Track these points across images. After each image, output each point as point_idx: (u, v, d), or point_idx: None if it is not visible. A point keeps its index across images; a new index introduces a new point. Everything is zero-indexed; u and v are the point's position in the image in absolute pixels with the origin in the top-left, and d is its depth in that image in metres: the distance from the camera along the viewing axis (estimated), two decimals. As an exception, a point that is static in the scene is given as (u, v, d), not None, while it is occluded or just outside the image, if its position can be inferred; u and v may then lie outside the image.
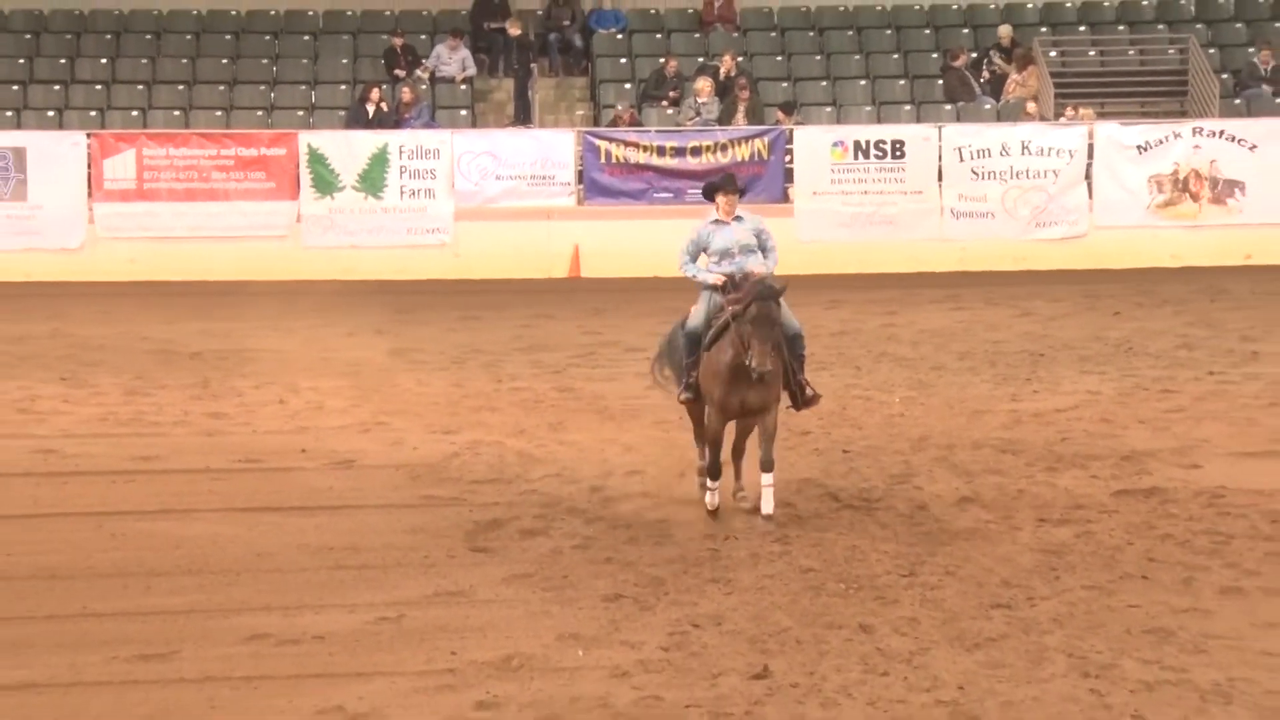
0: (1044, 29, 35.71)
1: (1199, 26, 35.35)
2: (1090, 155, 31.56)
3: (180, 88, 34.98)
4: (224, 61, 35.77)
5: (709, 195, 15.59)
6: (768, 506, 15.15)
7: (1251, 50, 33.91)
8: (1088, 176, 31.57)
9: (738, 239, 15.34)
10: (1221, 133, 31.53)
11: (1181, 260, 30.90)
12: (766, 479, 15.11)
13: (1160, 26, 35.71)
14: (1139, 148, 31.55)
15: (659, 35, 36.55)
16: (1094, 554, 14.49)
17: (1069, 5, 36.54)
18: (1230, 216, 31.28)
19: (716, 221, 15.45)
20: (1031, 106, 33.23)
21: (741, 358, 14.62)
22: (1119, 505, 15.93)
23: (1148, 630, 12.59)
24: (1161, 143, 31.50)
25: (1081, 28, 36.06)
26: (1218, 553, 14.46)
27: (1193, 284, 29.13)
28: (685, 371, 15.39)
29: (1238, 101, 33.11)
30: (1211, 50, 34.47)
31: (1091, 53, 35.22)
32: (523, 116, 34.37)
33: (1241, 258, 30.59)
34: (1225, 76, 33.73)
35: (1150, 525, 15.26)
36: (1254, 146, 31.22)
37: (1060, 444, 18.34)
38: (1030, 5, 36.36)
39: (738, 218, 15.45)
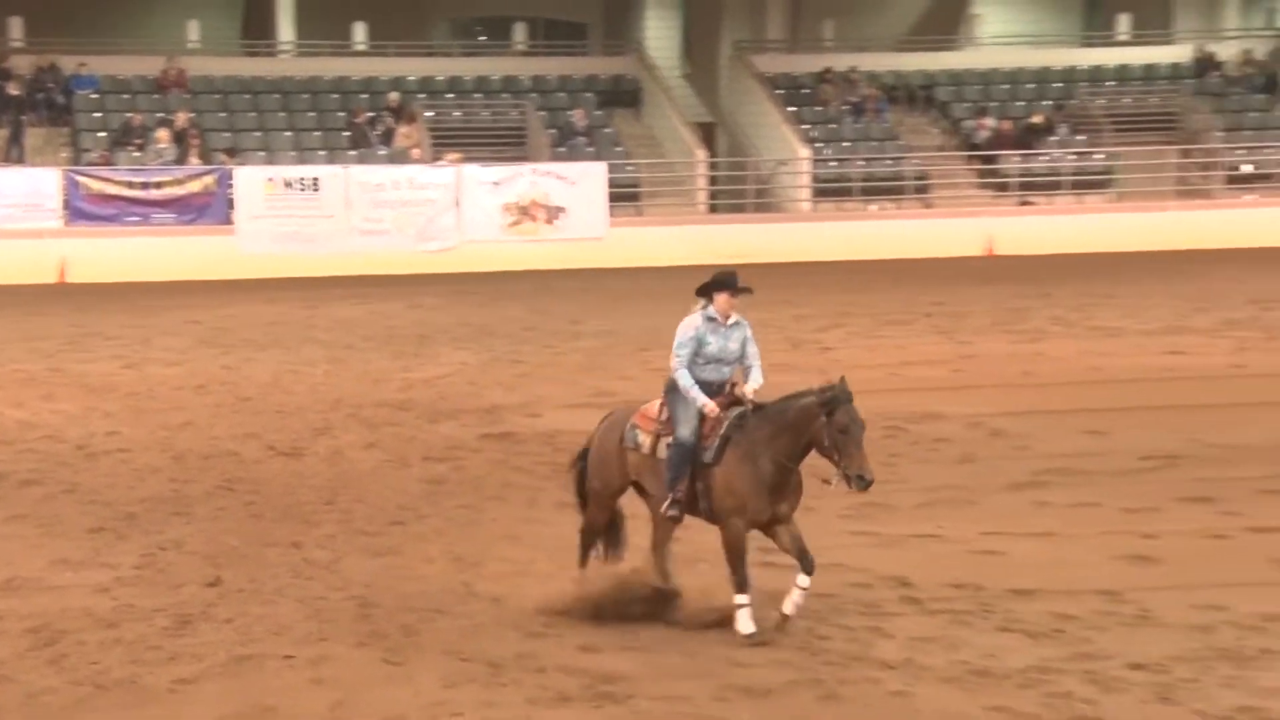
0: (422, 95, 35.84)
1: (533, 95, 36.02)
2: (458, 188, 31.83)
3: None
4: None
5: (709, 291, 10.53)
6: (790, 608, 10.20)
7: (569, 112, 34.74)
8: (457, 204, 31.83)
9: (730, 348, 10.43)
10: (550, 173, 32.26)
11: (527, 265, 31.42)
12: (805, 580, 10.14)
13: (505, 95, 36.25)
14: (494, 183, 32.02)
15: (126, 95, 35.41)
16: (465, 482, 14.60)
17: (440, 77, 36.74)
18: (558, 233, 32.03)
19: (711, 321, 10.44)
20: (415, 152, 33.32)
21: (785, 469, 10.09)
22: (483, 446, 16.08)
23: (505, 536, 12.74)
24: (510, 180, 32.04)
25: (449, 94, 36.33)
26: (553, 478, 14.74)
27: (533, 283, 29.66)
28: (672, 486, 10.31)
29: (561, 149, 33.86)
30: (541, 112, 35.17)
31: (457, 113, 35.50)
32: (16, 157, 33.07)
33: (566, 263, 31.26)
34: (552, 131, 34.44)
35: (505, 460, 15.45)
36: (573, 182, 32.05)
37: (440, 402, 18.43)
38: (411, 76, 36.40)
39: (735, 322, 10.51)
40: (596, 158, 33.05)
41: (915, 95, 36.19)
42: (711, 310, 10.49)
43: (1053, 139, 33.97)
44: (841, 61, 36.20)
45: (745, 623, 10.08)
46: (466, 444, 16.16)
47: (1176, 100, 35.21)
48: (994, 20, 39.91)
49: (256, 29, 38.05)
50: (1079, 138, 34.12)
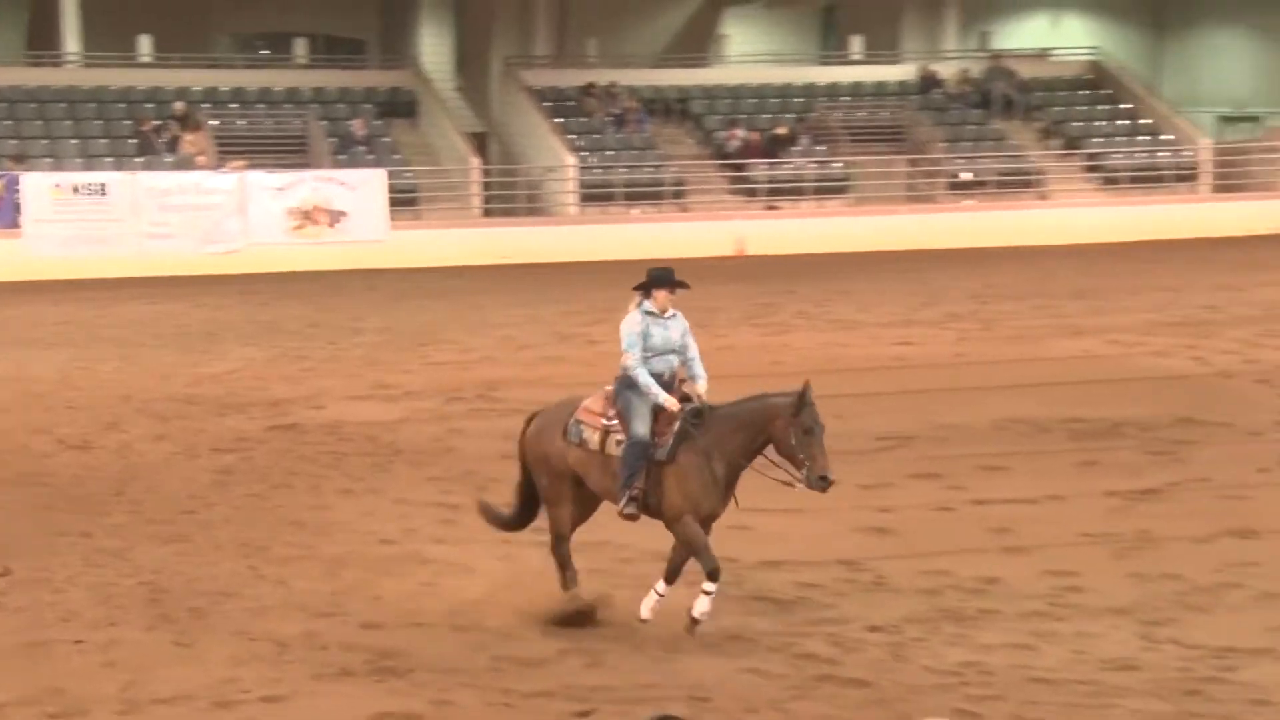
0: (206, 104, 34.97)
1: (314, 105, 35.43)
2: (243, 194, 31.14)
3: None
4: None
5: (647, 287, 10.22)
6: (646, 613, 9.84)
7: (349, 122, 34.24)
8: (242, 209, 31.14)
9: (671, 338, 10.08)
10: (332, 179, 31.76)
11: (310, 266, 30.84)
12: (664, 587, 9.86)
13: (287, 105, 35.58)
14: (278, 189, 31.37)
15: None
16: (252, 472, 14.31)
17: (224, 88, 35.89)
18: (340, 236, 31.53)
19: (651, 314, 10.09)
20: (201, 160, 32.49)
21: (738, 467, 9.72)
22: (269, 437, 15.78)
23: (290, 522, 12.53)
24: (293, 185, 31.44)
25: (233, 104, 35.52)
26: (336, 466, 14.53)
27: (317, 283, 29.13)
28: (628, 484, 9.70)
29: (342, 157, 33.37)
30: (322, 121, 34.61)
31: (241, 122, 34.72)
32: None
33: (348, 264, 30.79)
34: (333, 140, 33.92)
35: (291, 450, 15.18)
36: (354, 188, 31.62)
37: (228, 396, 18.02)
38: (196, 87, 35.49)
39: (672, 315, 10.21)
40: (376, 165, 32.65)
41: (672, 108, 36.50)
42: (649, 305, 10.11)
43: (796, 149, 34.56)
44: (604, 76, 36.35)
45: (703, 605, 9.55)
46: (253, 436, 15.84)
47: (904, 114, 36.09)
48: (741, 40, 40.52)
49: (41, 40, 36.73)
50: (819, 147, 34.77)
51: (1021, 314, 23.08)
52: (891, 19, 39.87)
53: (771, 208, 33.76)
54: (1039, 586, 10.67)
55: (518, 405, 17.01)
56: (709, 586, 9.57)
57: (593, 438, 9.92)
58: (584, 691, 8.81)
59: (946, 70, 37.83)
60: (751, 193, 33.99)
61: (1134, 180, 34.32)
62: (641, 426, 9.71)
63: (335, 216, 31.52)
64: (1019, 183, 34.31)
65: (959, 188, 34.18)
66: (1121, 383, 17.50)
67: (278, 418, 16.69)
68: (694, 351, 10.12)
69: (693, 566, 9.77)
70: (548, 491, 10.15)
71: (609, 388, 10.00)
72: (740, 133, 34.72)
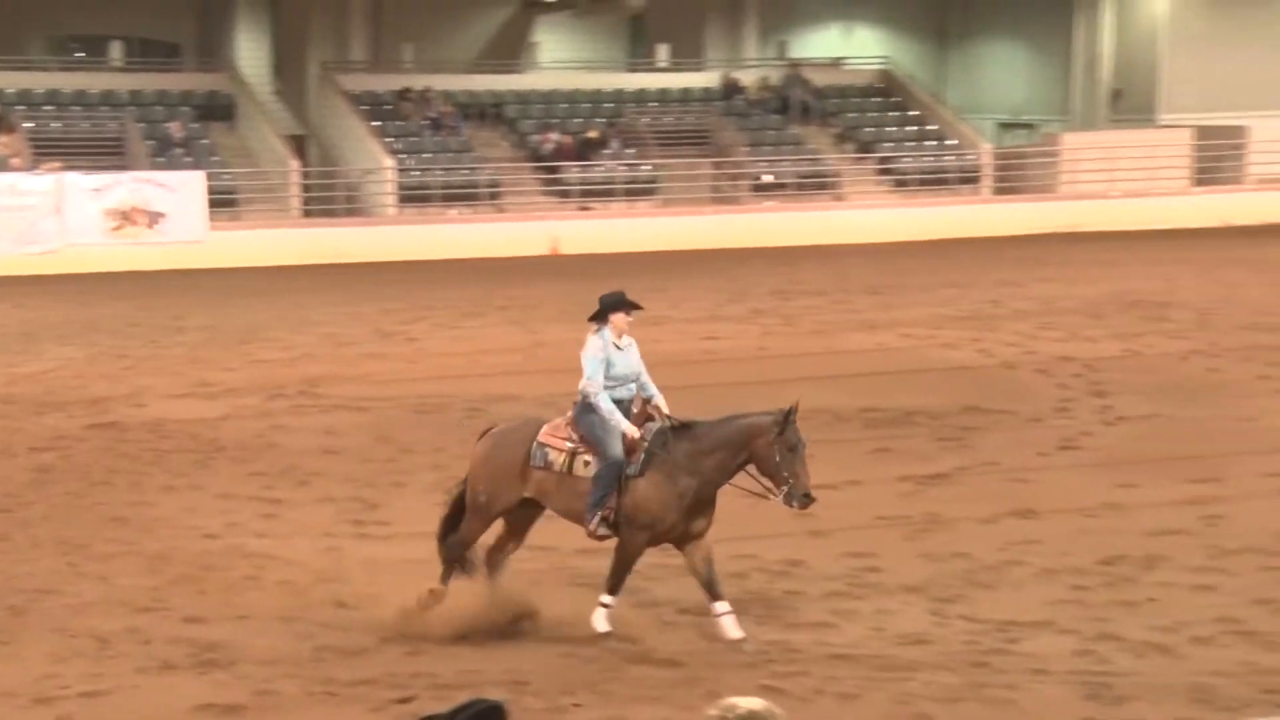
0: (21, 106, 33.80)
1: (131, 108, 34.47)
2: (60, 195, 30.15)
3: None
4: None
5: (604, 314, 9.83)
6: (736, 633, 9.39)
7: (167, 124, 33.37)
8: (59, 210, 30.15)
9: (632, 365, 9.74)
10: (150, 180, 30.93)
11: (130, 266, 29.96)
12: (724, 606, 9.43)
13: (104, 107, 34.57)
14: (95, 190, 30.42)
15: None
16: (72, 470, 13.88)
17: (38, 90, 34.72)
18: (160, 237, 30.69)
19: (612, 343, 9.74)
20: (15, 161, 31.38)
21: (712, 485, 9.44)
22: (90, 435, 15.32)
23: (111, 519, 12.18)
24: (111, 187, 30.52)
25: (48, 106, 34.39)
26: (158, 463, 14.17)
27: (137, 283, 28.33)
28: (601, 504, 9.40)
29: (160, 159, 32.51)
30: (140, 124, 33.67)
31: (56, 124, 33.60)
32: None
33: (168, 264, 29.99)
34: (151, 142, 33.02)
35: (111, 448, 14.76)
36: (173, 190, 30.82)
37: (46, 395, 17.44)
38: (10, 89, 34.24)
39: (627, 341, 9.85)
40: (195, 167, 31.87)
41: (486, 112, 36.31)
42: (608, 333, 9.72)
43: (607, 152, 34.62)
44: (419, 81, 35.98)
45: (601, 621, 9.43)
46: (73, 434, 15.36)
47: (708, 119, 36.39)
48: (552, 47, 40.46)
49: None
50: (629, 151, 34.88)
51: (821, 309, 23.43)
52: (695, 28, 40.21)
53: (584, 208, 33.79)
54: (839, 568, 10.85)
55: (339, 401, 16.80)
56: (606, 600, 9.46)
57: (559, 460, 9.62)
58: (405, 679, 8.72)
59: (748, 78, 38.26)
60: (565, 194, 33.96)
61: (922, 183, 35.08)
62: (617, 447, 9.44)
63: (154, 218, 30.70)
64: (816, 185, 34.83)
65: (761, 189, 34.58)
66: (913, 374, 17.85)
67: (98, 416, 16.21)
68: (646, 374, 9.83)
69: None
70: (482, 507, 9.74)
71: (570, 414, 9.71)
72: (553, 136, 34.69)
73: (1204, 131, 35.02)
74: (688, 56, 39.42)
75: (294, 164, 33.30)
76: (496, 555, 9.92)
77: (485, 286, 26.36)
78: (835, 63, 40.19)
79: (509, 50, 39.82)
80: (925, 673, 8.86)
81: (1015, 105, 41.53)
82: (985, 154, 35.69)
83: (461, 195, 33.31)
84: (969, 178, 35.36)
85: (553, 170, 34.14)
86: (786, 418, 9.23)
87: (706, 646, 9.25)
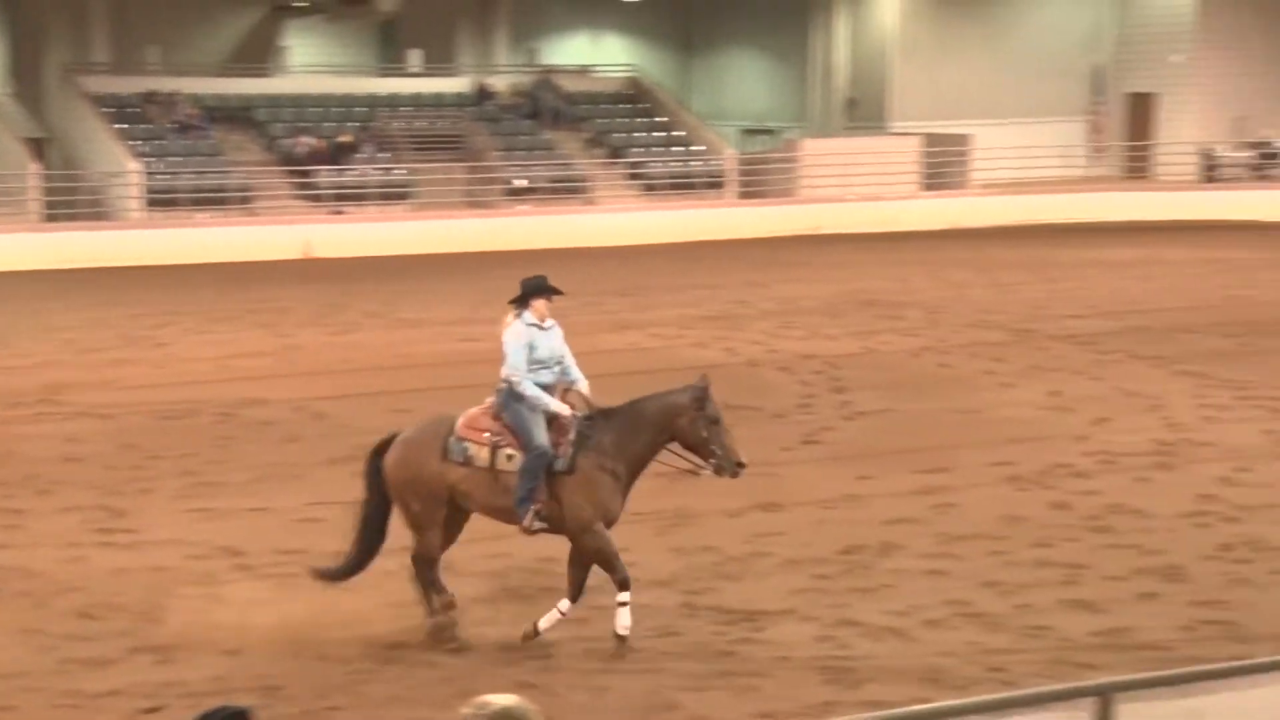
0: None
1: None
2: None
3: None
4: None
5: (525, 299, 9.55)
6: (625, 622, 9.14)
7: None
8: None
9: (555, 347, 9.46)
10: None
11: None
12: (625, 596, 9.14)
13: None
14: None
15: None
16: None
17: None
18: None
19: (533, 325, 9.45)
20: None
21: (640, 467, 9.24)
22: None
23: None
24: None
25: None
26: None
27: None
28: (531, 498, 9.04)
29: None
30: None
31: None
32: None
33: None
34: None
35: None
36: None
37: None
38: None
39: (550, 324, 9.57)
40: (-72, 170, 30.35)
41: (236, 116, 35.42)
42: (530, 316, 9.39)
43: (360, 156, 34.13)
44: (166, 84, 34.89)
45: (624, 619, 9.01)
46: None
47: (462, 124, 36.20)
48: (302, 51, 39.70)
49: None
50: (383, 155, 34.46)
51: (573, 310, 23.42)
52: (447, 34, 39.97)
53: (337, 212, 33.25)
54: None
55: (83, 409, 16.16)
56: (624, 597, 9.03)
57: (480, 454, 9.15)
58: (153, 688, 8.43)
59: (499, 83, 38.20)
60: (317, 198, 33.37)
61: (670, 187, 35.52)
62: (542, 436, 9.06)
63: None
64: (568, 189, 34.96)
65: (514, 194, 34.53)
66: (664, 373, 17.96)
67: None
68: (570, 357, 9.51)
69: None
70: (420, 517, 9.25)
71: (489, 400, 9.34)
72: (306, 140, 34.05)
73: (931, 139, 36.30)
74: (439, 62, 39.17)
75: (33, 167, 31.94)
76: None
77: (236, 290, 25.71)
78: (584, 70, 40.43)
79: (258, 54, 38.95)
80: (675, 663, 8.95)
81: (757, 112, 42.40)
82: (729, 159, 36.33)
83: (211, 199, 32.43)
84: (714, 182, 35.94)
85: (305, 174, 33.51)
86: (704, 393, 9.08)
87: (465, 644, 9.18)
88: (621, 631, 9.04)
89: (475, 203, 34.31)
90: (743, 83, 43.59)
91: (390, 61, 40.23)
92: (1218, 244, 30.02)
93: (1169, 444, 14.02)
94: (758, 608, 9.77)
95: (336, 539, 11.25)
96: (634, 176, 35.83)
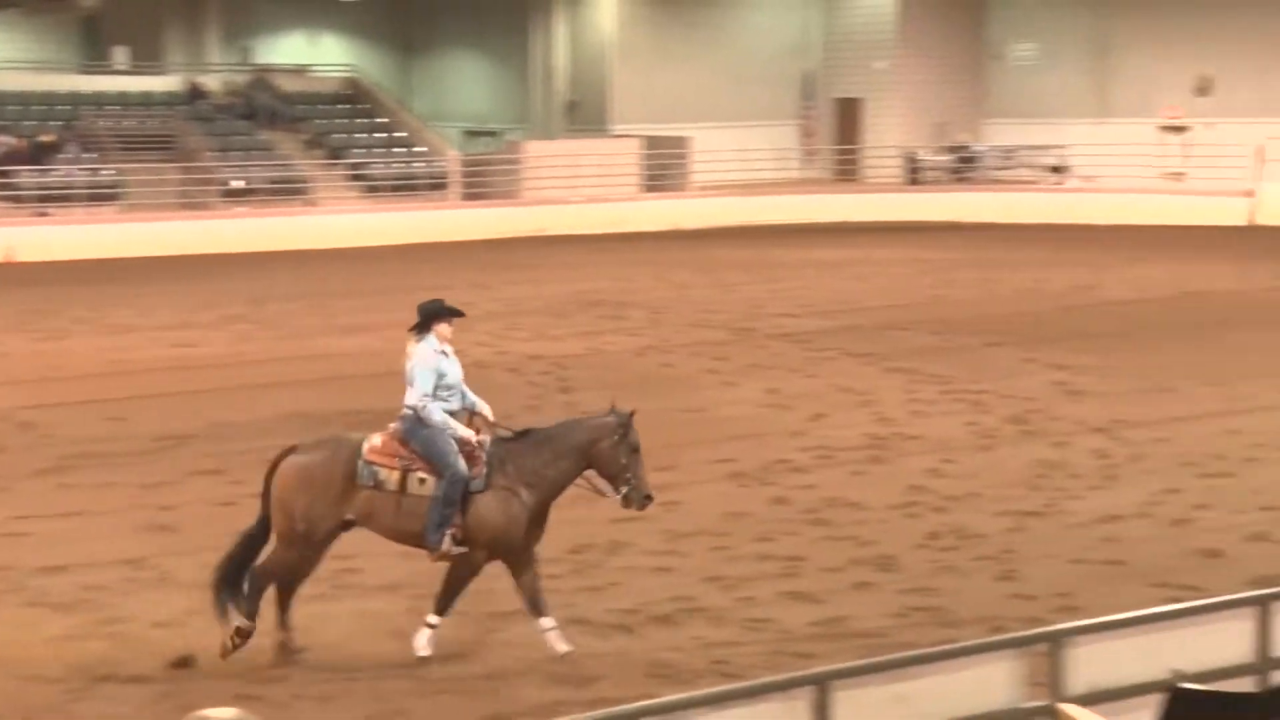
0: None
1: None
2: None
3: None
4: None
5: (428, 322, 9.07)
6: (563, 646, 8.98)
7: None
8: None
9: (458, 372, 9.13)
10: None
11: None
12: (549, 622, 9.03)
13: None
14: None
15: None
16: None
17: None
18: None
19: (440, 352, 9.06)
20: None
21: (556, 492, 9.06)
22: None
23: None
24: None
25: None
26: None
27: None
28: (446, 524, 8.81)
29: None
30: None
31: None
32: None
33: None
34: None
35: None
36: None
37: None
38: None
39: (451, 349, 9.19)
40: None
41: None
42: (434, 341, 9.02)
43: (64, 156, 32.78)
44: None
45: (424, 643, 8.91)
46: None
47: (173, 124, 35.12)
48: (-2, 47, 37.97)
49: None
50: (88, 155, 33.16)
51: (298, 314, 23.09)
52: (154, 31, 38.74)
53: (41, 214, 31.86)
54: (321, 570, 10.69)
55: None
56: (433, 621, 8.96)
57: (391, 478, 8.89)
58: None
59: (212, 82, 37.20)
60: (18, 199, 31.90)
61: (393, 188, 35.20)
62: (459, 461, 8.83)
63: None
64: (288, 190, 34.29)
65: (231, 195, 33.67)
66: (393, 375, 17.68)
67: None
68: (463, 384, 9.19)
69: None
70: (296, 536, 8.95)
71: (392, 425, 8.99)
72: (5, 139, 32.52)
73: (651, 141, 36.89)
74: (147, 59, 37.93)
75: None
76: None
77: (-68, 297, 24.40)
78: (302, 70, 39.70)
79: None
80: (404, 669, 8.89)
81: (479, 114, 42.37)
82: (452, 160, 36.21)
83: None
84: (438, 184, 35.76)
85: (4, 175, 32.01)
86: (629, 420, 8.96)
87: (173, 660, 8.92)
88: (420, 653, 8.94)
89: (190, 204, 33.33)
90: (464, 84, 43.49)
91: (94, 58, 38.75)
92: (922, 244, 31.34)
93: (881, 438, 14.56)
94: (487, 610, 9.76)
95: (48, 550, 10.82)
96: (355, 178, 35.38)
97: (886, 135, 39.36)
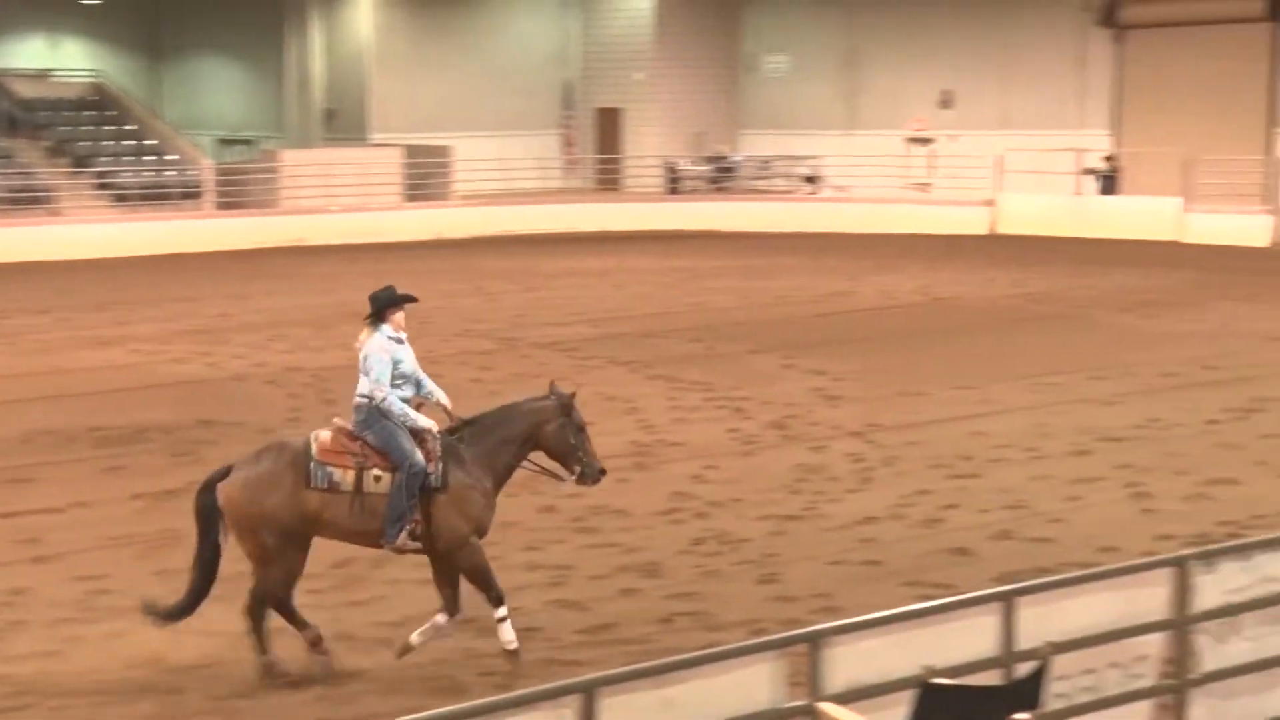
0: None
1: None
2: None
3: None
4: None
5: (382, 312, 8.96)
6: (509, 635, 8.90)
7: None
8: None
9: (413, 361, 8.97)
10: None
11: None
12: (503, 611, 8.89)
13: None
14: None
15: None
16: None
17: None
18: None
19: (394, 340, 8.93)
20: None
21: (504, 478, 8.96)
22: None
23: None
24: None
25: None
26: None
27: None
28: (404, 518, 8.58)
29: None
30: None
31: None
32: None
33: None
34: None
35: None
36: None
37: None
38: None
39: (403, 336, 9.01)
40: None
41: None
42: (389, 329, 8.89)
43: None
44: None
45: (509, 633, 8.81)
46: None
47: None
48: None
49: None
50: None
51: (43, 328, 22.25)
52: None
53: None
54: (68, 593, 10.35)
55: None
56: (501, 613, 8.82)
57: (346, 478, 8.61)
58: None
59: None
60: None
61: (144, 198, 34.17)
62: (416, 453, 8.64)
63: None
64: (30, 199, 32.98)
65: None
66: (144, 390, 17.38)
67: None
68: (421, 372, 9.05)
69: None
70: (271, 551, 8.62)
71: (337, 421, 8.84)
72: None
73: (412, 150, 36.62)
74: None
75: None
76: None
77: None
78: (43, 74, 38.27)
79: None
80: (158, 694, 8.64)
81: (233, 121, 41.46)
82: (206, 169, 35.33)
83: None
84: (191, 193, 34.85)
85: None
86: (570, 400, 8.91)
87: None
88: (509, 647, 8.85)
89: None
90: (217, 91, 42.49)
91: None
92: (681, 253, 31.80)
93: (645, 445, 14.73)
94: (243, 627, 9.55)
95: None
96: (102, 186, 34.24)
97: (646, 145, 39.84)
